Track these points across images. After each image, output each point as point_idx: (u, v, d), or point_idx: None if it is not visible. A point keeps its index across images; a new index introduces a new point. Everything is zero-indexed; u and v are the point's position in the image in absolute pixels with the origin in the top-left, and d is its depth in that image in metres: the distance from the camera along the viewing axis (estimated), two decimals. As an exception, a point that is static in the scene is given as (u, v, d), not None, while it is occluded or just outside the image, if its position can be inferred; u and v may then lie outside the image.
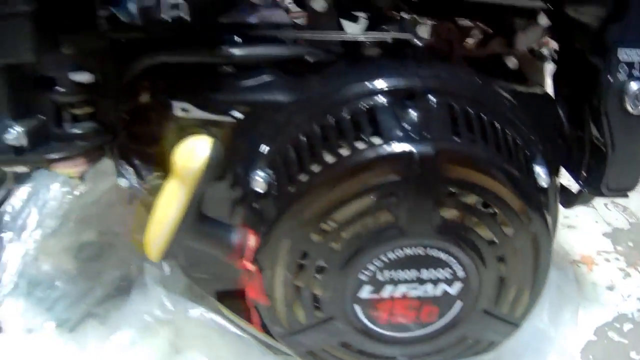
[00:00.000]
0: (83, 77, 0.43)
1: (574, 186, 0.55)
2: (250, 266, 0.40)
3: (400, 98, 0.40)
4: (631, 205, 1.01)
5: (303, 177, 0.39)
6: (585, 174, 0.52)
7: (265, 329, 0.47)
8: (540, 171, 0.43)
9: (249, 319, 0.48)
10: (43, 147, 0.45)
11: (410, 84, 0.40)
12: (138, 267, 0.66)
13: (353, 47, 0.44)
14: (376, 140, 0.38)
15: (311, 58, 0.44)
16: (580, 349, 0.69)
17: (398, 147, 0.37)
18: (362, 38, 0.44)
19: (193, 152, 0.37)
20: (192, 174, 0.37)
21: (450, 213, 0.39)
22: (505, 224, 0.41)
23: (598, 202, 1.01)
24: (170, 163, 0.38)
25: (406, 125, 0.38)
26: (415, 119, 0.39)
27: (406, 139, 0.37)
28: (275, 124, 0.42)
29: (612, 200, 1.02)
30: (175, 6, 0.39)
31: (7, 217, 0.72)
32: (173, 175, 0.38)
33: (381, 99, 0.40)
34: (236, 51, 0.42)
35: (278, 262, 0.40)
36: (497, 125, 0.41)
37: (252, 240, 0.40)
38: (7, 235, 0.71)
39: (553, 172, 0.49)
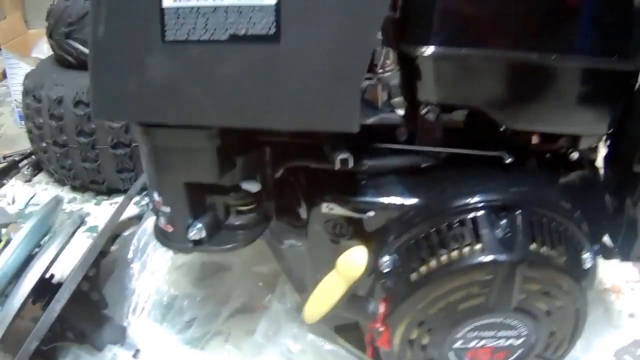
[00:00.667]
0: (252, 186, 0.56)
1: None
2: (381, 326, 0.57)
3: (494, 211, 0.55)
4: None
5: (423, 270, 0.55)
6: (620, 244, 0.67)
7: (376, 357, 0.64)
8: (586, 256, 0.58)
9: (363, 349, 0.66)
10: (216, 237, 0.58)
11: (502, 198, 0.56)
12: (256, 296, 0.80)
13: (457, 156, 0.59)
14: (477, 246, 0.54)
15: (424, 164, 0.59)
16: None
17: (492, 255, 0.53)
18: (466, 152, 0.58)
19: (354, 262, 0.54)
20: (353, 277, 0.54)
21: (522, 295, 0.55)
22: (557, 299, 0.57)
23: None
24: (335, 262, 0.54)
25: (498, 235, 0.54)
26: (505, 230, 0.54)
27: (497, 249, 0.53)
28: (398, 221, 0.58)
29: None
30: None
31: (134, 250, 0.83)
32: (337, 271, 0.54)
33: (481, 212, 0.55)
34: (369, 162, 0.58)
35: (400, 325, 0.57)
36: (561, 227, 0.56)
37: (382, 308, 0.57)
38: (136, 266, 0.82)
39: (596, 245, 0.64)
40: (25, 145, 1.34)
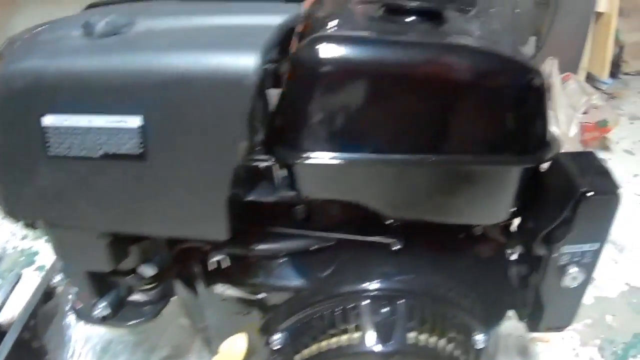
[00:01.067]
0: (148, 270, 0.61)
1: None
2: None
3: (378, 299, 0.58)
4: (599, 277, 1.11)
5: (306, 352, 0.57)
6: (527, 317, 0.69)
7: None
8: (478, 337, 0.61)
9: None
10: (121, 313, 0.63)
11: (386, 286, 0.58)
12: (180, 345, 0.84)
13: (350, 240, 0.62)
14: (356, 334, 0.56)
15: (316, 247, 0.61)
16: None
17: (368, 346, 0.55)
18: (356, 238, 0.61)
19: (234, 349, 0.57)
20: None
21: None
22: None
23: None
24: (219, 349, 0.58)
25: (378, 324, 0.57)
26: (385, 319, 0.57)
27: (374, 339, 0.55)
28: (289, 303, 0.61)
29: None
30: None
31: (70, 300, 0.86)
32: (220, 356, 0.58)
33: (365, 300, 0.58)
34: (260, 246, 0.61)
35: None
36: (448, 313, 0.59)
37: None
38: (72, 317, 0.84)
39: (495, 324, 0.66)
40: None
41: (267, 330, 0.62)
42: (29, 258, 1.15)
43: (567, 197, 0.57)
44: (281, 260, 0.62)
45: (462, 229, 0.64)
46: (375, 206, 0.55)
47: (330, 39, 0.49)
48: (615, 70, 2.11)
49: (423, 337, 0.57)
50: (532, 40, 1.48)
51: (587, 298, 1.05)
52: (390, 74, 0.49)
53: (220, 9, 0.57)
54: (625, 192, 1.47)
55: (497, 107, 0.50)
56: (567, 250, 0.60)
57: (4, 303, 0.79)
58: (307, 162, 0.51)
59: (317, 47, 0.48)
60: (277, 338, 0.60)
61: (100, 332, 0.87)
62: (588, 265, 0.62)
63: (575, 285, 0.63)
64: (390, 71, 0.49)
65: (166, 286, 0.65)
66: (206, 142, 0.47)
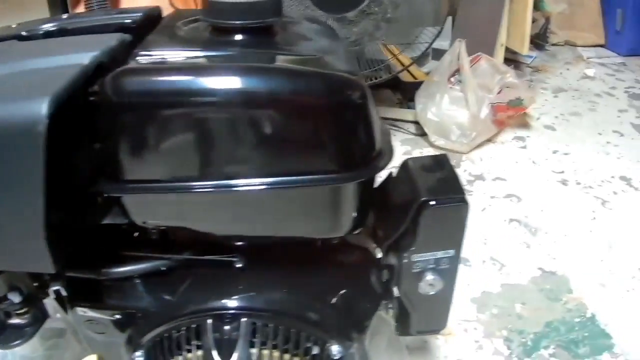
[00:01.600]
0: (15, 297, 0.61)
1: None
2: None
3: (221, 318, 0.57)
4: (509, 263, 1.11)
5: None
6: (396, 322, 0.69)
7: None
8: (333, 348, 0.60)
9: None
10: (4, 336, 0.65)
11: (229, 305, 0.58)
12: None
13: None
14: (199, 353, 0.56)
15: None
16: None
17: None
18: (199, 258, 0.60)
19: None
20: None
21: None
22: None
23: (476, 258, 1.15)
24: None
25: (219, 342, 0.56)
26: (227, 337, 0.56)
27: (217, 357, 0.55)
28: (142, 322, 0.60)
29: (492, 257, 1.15)
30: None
31: None
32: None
33: (208, 319, 0.57)
34: (114, 270, 0.60)
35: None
36: (293, 328, 0.58)
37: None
38: None
39: (361, 330, 0.66)
40: None
41: (129, 347, 0.61)
42: None
43: (410, 205, 0.57)
44: (134, 282, 0.61)
45: (317, 240, 0.64)
46: (206, 230, 0.54)
47: (133, 71, 0.48)
48: (542, 42, 2.11)
49: (266, 353, 0.56)
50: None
51: (494, 285, 1.06)
52: (198, 103, 0.48)
53: (33, 49, 0.55)
54: (542, 170, 1.50)
55: (313, 126, 0.49)
56: (418, 258, 0.60)
57: None
58: (119, 194, 0.50)
59: (118, 80, 0.47)
60: (137, 355, 0.60)
61: (5, 352, 0.87)
62: (446, 271, 0.62)
63: (434, 292, 0.63)
64: (197, 100, 0.48)
65: (38, 309, 0.66)
66: (12, 186, 0.45)
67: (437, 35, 1.49)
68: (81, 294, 0.62)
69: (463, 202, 0.57)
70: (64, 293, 0.57)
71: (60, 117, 0.45)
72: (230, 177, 0.49)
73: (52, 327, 0.89)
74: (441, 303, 0.66)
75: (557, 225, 1.25)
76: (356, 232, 0.63)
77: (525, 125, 1.67)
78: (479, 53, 1.55)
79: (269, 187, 0.50)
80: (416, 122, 1.59)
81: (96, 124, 0.49)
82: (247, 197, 0.51)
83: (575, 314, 1.01)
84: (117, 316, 0.61)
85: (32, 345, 0.89)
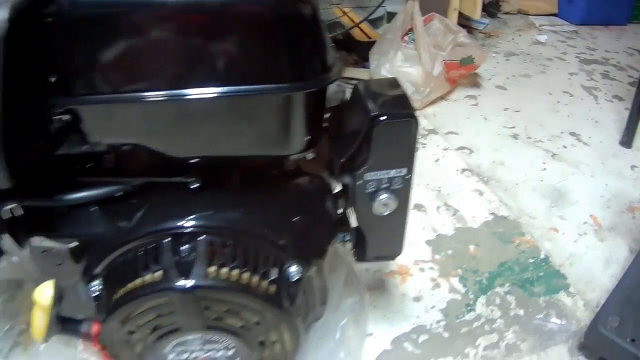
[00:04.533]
0: None
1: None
2: (95, 345, 0.60)
3: (179, 238, 0.58)
4: (462, 209, 1.14)
5: (119, 293, 0.57)
6: (353, 248, 0.71)
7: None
8: (292, 269, 0.61)
9: None
10: None
11: (185, 224, 0.58)
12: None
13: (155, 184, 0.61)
14: (158, 273, 0.56)
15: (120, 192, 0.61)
16: (374, 358, 0.80)
17: (168, 282, 0.55)
18: (155, 180, 0.61)
19: (42, 294, 0.58)
20: (45, 306, 0.58)
21: (212, 315, 0.58)
22: (249, 315, 0.59)
23: (430, 205, 1.17)
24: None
25: (179, 262, 0.57)
26: (185, 257, 0.57)
27: (174, 275, 0.55)
28: (100, 249, 0.60)
29: (445, 203, 1.17)
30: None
31: None
32: (34, 302, 0.58)
33: (166, 239, 0.57)
34: (69, 196, 0.59)
35: (111, 342, 0.60)
36: (250, 248, 0.59)
37: (95, 328, 0.60)
38: None
39: (318, 255, 0.67)
40: None
41: (86, 277, 0.61)
42: None
43: (362, 123, 0.58)
44: (90, 209, 0.61)
45: (274, 165, 0.65)
46: (157, 147, 0.55)
47: None
48: (494, 10, 2.17)
49: (224, 271, 0.57)
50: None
51: (447, 228, 1.09)
52: (148, 12, 0.49)
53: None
54: (494, 126, 1.53)
55: (264, 36, 0.50)
56: (371, 177, 0.62)
57: None
58: (74, 106, 0.50)
59: None
60: (93, 284, 0.60)
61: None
62: (399, 191, 0.64)
63: (389, 212, 0.65)
64: (147, 10, 0.49)
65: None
66: None
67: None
68: (36, 223, 0.61)
69: (412, 118, 0.59)
70: (18, 213, 0.56)
71: (17, 26, 0.45)
72: (182, 87, 0.50)
73: (9, 279, 0.90)
74: (396, 226, 0.69)
75: (508, 175, 1.29)
76: (310, 156, 0.64)
77: (476, 85, 1.71)
78: (432, 13, 1.58)
79: (220, 95, 0.51)
80: (371, 81, 1.61)
81: (49, 41, 0.49)
82: (198, 108, 0.52)
83: (528, 255, 1.05)
84: (73, 244, 0.60)
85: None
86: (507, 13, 2.30)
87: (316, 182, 0.68)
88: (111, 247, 0.60)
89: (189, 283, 0.55)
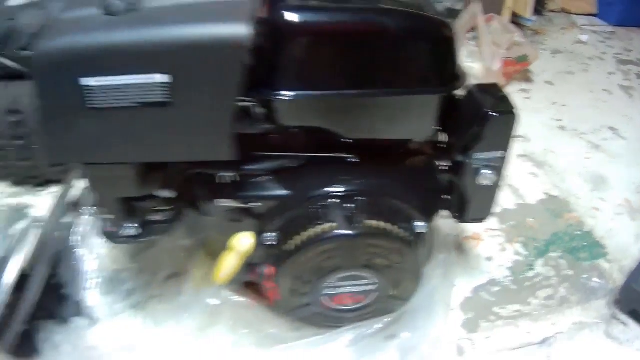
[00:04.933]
0: (165, 194, 0.76)
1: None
2: (271, 284, 0.81)
3: (343, 199, 0.79)
4: (521, 188, 1.33)
5: (296, 242, 0.78)
6: (456, 212, 0.91)
7: (274, 304, 0.88)
8: (418, 224, 0.82)
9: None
10: (145, 231, 0.79)
11: (348, 189, 0.79)
12: (180, 264, 0.95)
13: (318, 159, 0.82)
14: (329, 225, 0.77)
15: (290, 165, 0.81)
16: (459, 303, 1.01)
17: (340, 231, 0.76)
18: (324, 156, 0.81)
19: (241, 241, 0.77)
20: (243, 253, 0.77)
21: (366, 257, 0.79)
22: (393, 257, 0.80)
23: None
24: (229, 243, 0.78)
25: (345, 216, 0.77)
26: (350, 212, 0.78)
27: (344, 226, 0.76)
28: (276, 208, 0.81)
29: (508, 183, 1.34)
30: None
31: (78, 238, 0.94)
32: (231, 249, 0.78)
33: (333, 200, 0.79)
34: (250, 166, 0.80)
35: (283, 281, 0.81)
36: (394, 207, 0.80)
37: (270, 271, 0.81)
38: (82, 251, 0.93)
39: (431, 217, 0.88)
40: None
41: (260, 231, 0.81)
42: (22, 212, 1.16)
43: (476, 117, 0.78)
44: (268, 177, 0.81)
45: (401, 147, 0.85)
46: (335, 130, 0.75)
47: (295, 7, 0.67)
48: (541, 8, 2.29)
49: (377, 223, 0.77)
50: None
51: (510, 204, 1.28)
52: (342, 33, 0.69)
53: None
54: (544, 118, 1.70)
55: (417, 53, 0.71)
56: (479, 156, 0.81)
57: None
58: (281, 98, 0.70)
59: (284, 12, 0.66)
60: (269, 236, 0.80)
61: (107, 265, 0.94)
62: (497, 168, 0.84)
63: (489, 184, 0.85)
64: (340, 30, 0.69)
65: (179, 206, 0.82)
66: (213, 90, 0.63)
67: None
68: (220, 188, 0.80)
69: (513, 114, 0.79)
70: (230, 180, 0.76)
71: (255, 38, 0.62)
72: (359, 87, 0.71)
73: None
74: (491, 195, 0.88)
75: (557, 161, 1.46)
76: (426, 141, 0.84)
77: (528, 80, 1.86)
78: (491, 14, 1.75)
79: (386, 94, 0.73)
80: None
81: (264, 45, 0.64)
82: (370, 103, 0.73)
83: (575, 228, 1.23)
84: (252, 205, 0.80)
85: (128, 256, 0.97)
86: (552, 11, 2.39)
87: (429, 160, 0.88)
88: (285, 207, 0.81)
89: (354, 231, 0.76)
